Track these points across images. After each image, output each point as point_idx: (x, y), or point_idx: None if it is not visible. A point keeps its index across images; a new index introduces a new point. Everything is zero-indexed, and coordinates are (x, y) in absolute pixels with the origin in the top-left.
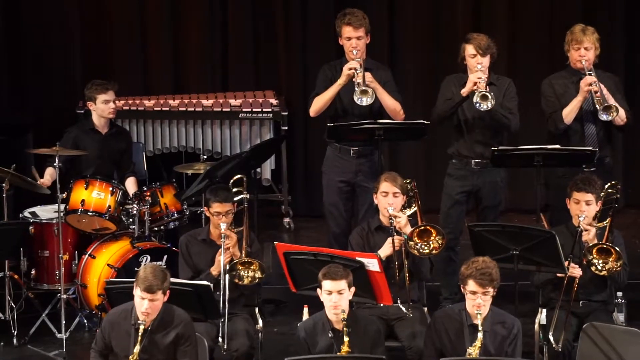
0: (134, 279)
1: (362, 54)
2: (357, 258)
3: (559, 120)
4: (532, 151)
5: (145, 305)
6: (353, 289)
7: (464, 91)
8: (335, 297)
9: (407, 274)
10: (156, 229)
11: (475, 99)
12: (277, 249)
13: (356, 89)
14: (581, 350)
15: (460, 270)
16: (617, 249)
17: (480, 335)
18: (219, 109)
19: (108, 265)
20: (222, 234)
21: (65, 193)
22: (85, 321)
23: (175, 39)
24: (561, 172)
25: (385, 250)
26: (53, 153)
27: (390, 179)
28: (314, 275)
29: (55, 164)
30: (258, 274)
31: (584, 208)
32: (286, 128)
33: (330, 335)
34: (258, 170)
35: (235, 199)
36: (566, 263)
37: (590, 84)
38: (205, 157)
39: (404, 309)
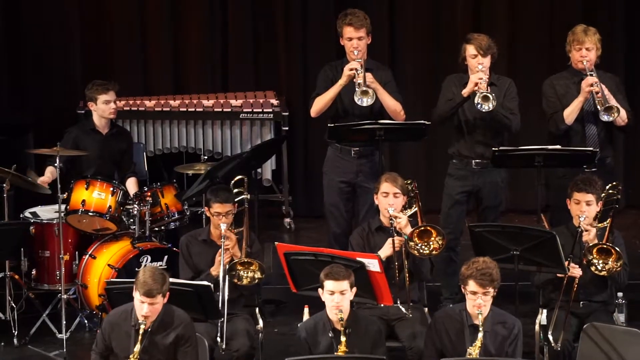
0: (134, 279)
1: (363, 54)
2: (358, 258)
3: (560, 120)
4: (532, 152)
5: (145, 309)
6: (355, 289)
7: (465, 92)
8: (338, 297)
9: (407, 275)
10: (157, 229)
11: (477, 99)
12: (278, 249)
13: (357, 89)
14: (581, 351)
15: (460, 271)
16: (617, 249)
17: (480, 335)
18: (220, 109)
19: (108, 265)
20: (222, 235)
21: (66, 193)
22: (86, 321)
23: (175, 39)
24: (562, 173)
25: (386, 250)
26: (54, 153)
27: (390, 180)
28: (314, 276)
29: (55, 164)
30: (257, 275)
31: (585, 208)
32: (287, 128)
33: (330, 335)
34: (259, 170)
35: (236, 199)
36: (566, 263)
37: (592, 85)
38: (205, 157)
39: (403, 309)
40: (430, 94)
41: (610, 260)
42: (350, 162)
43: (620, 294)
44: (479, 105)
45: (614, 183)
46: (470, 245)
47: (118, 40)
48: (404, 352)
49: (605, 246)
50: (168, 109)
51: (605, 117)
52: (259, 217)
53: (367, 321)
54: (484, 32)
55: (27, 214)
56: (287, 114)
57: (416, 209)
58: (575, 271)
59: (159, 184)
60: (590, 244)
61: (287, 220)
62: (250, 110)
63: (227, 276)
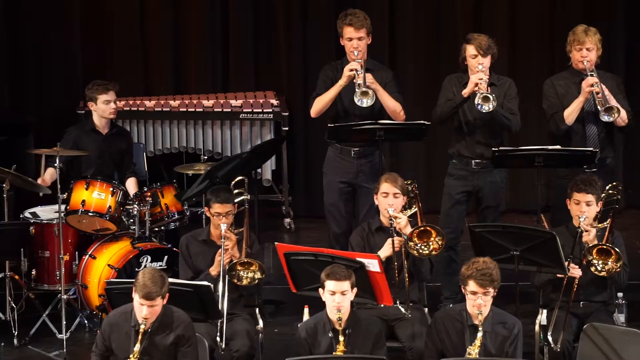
0: (134, 280)
1: (363, 54)
2: (358, 259)
3: (560, 121)
4: (532, 152)
5: (144, 311)
6: (355, 289)
7: (465, 92)
8: (339, 297)
9: (406, 275)
10: (157, 229)
11: (477, 100)
12: (278, 249)
13: (357, 90)
14: (581, 351)
15: (460, 271)
16: (617, 250)
17: (479, 334)
18: (220, 110)
19: (108, 265)
20: (222, 235)
21: (66, 193)
22: (86, 322)
23: (175, 39)
24: (564, 173)
25: (385, 251)
26: (54, 153)
27: (390, 180)
28: (314, 276)
29: (55, 164)
30: (257, 275)
31: (585, 209)
32: (287, 128)
33: (330, 335)
34: (259, 170)
35: (236, 200)
36: (566, 264)
37: (592, 85)
38: (205, 157)
39: (402, 309)
40: (430, 94)
41: (610, 260)
42: (350, 162)
43: (620, 295)
44: (479, 106)
45: (614, 183)
46: (470, 245)
47: (118, 40)
48: (404, 353)
49: (605, 247)
50: (168, 109)
51: (605, 118)
52: (259, 218)
53: (367, 321)
54: (484, 32)
55: (27, 214)
56: (287, 114)
57: (416, 209)
58: (575, 272)
59: (158, 184)
60: (590, 245)
61: (287, 220)
62: (250, 110)
63: (226, 276)
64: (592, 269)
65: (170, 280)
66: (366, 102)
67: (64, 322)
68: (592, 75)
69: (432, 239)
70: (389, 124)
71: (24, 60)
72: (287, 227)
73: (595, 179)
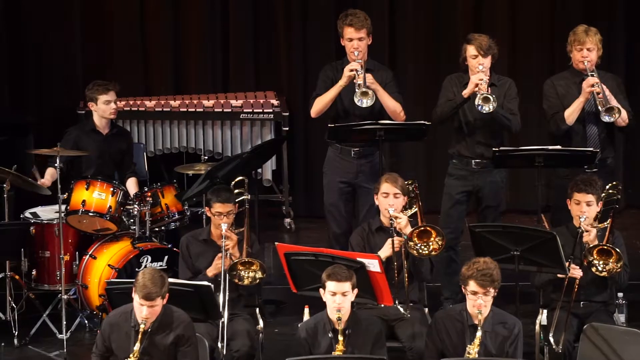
0: (134, 280)
1: (363, 55)
2: (358, 259)
3: (561, 121)
4: (533, 152)
5: (144, 311)
6: (356, 290)
7: (466, 92)
8: (339, 298)
9: (406, 275)
10: (157, 229)
11: (477, 101)
12: (278, 249)
13: (356, 90)
14: (582, 351)
15: (461, 271)
16: (618, 250)
17: (478, 334)
18: (220, 110)
19: (109, 265)
20: (223, 235)
21: (66, 194)
22: (86, 322)
23: (175, 39)
24: (564, 173)
25: (385, 251)
26: (54, 153)
27: (390, 180)
28: (314, 276)
29: (56, 165)
30: (259, 274)
31: (585, 209)
32: (287, 129)
33: (330, 336)
34: (259, 170)
35: (237, 200)
36: (567, 264)
37: (593, 85)
38: (206, 157)
39: (402, 309)
40: (430, 94)
41: (611, 261)
42: (350, 162)
43: (620, 295)
44: (479, 107)
45: (614, 183)
46: (470, 245)
47: (118, 40)
48: (404, 353)
49: (605, 247)
50: (168, 109)
51: (606, 118)
52: (259, 218)
53: (367, 322)
54: (484, 32)
55: (27, 214)
56: (287, 114)
57: (416, 209)
58: (576, 272)
59: (159, 184)
60: (591, 245)
61: (288, 220)
62: (250, 110)
63: (227, 277)
64: (593, 269)
65: (171, 280)
66: (366, 103)
67: (64, 322)
68: (592, 76)
69: (432, 239)
70: (389, 124)
71: (24, 60)
72: (287, 227)
73: (596, 179)
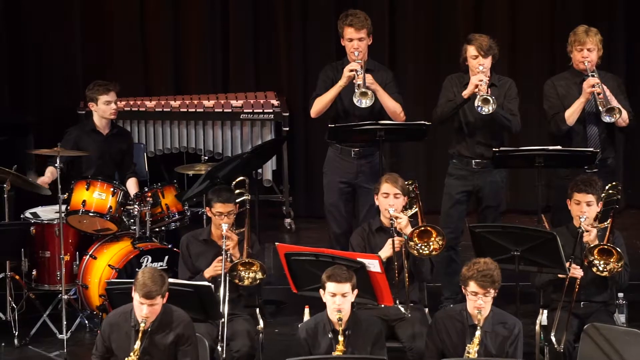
0: (134, 280)
1: (363, 55)
2: (358, 259)
3: (561, 121)
4: (533, 152)
5: (144, 310)
6: (356, 291)
7: (465, 93)
8: (339, 299)
9: (406, 275)
10: (157, 229)
11: (477, 102)
12: (278, 249)
13: (356, 90)
14: (582, 351)
15: (461, 271)
16: (618, 250)
17: (478, 333)
18: (220, 110)
19: (109, 265)
20: (223, 235)
21: (67, 194)
22: (86, 322)
23: (175, 39)
24: (565, 173)
25: (386, 251)
26: (54, 154)
27: (391, 180)
28: (315, 276)
29: (56, 165)
30: (259, 275)
31: (585, 209)
32: (287, 129)
33: (330, 336)
34: (259, 171)
35: (237, 200)
36: (567, 264)
37: (593, 86)
38: (206, 157)
39: (402, 309)
40: (430, 94)
41: (612, 261)
42: (351, 162)
43: (620, 295)
44: (479, 108)
45: (614, 183)
46: (470, 245)
47: (118, 40)
48: (404, 353)
49: (606, 247)
50: (168, 110)
51: (607, 118)
52: (260, 218)
53: (367, 322)
54: (484, 32)
55: (27, 214)
56: (287, 114)
57: (416, 209)
58: (576, 272)
59: (159, 184)
60: (592, 245)
61: (288, 220)
62: (250, 110)
63: (227, 277)
64: (594, 269)
65: (171, 280)
66: (365, 103)
67: (65, 322)
68: (593, 76)
69: (432, 238)
70: (390, 124)
71: (24, 60)
72: (287, 228)
73: (596, 179)
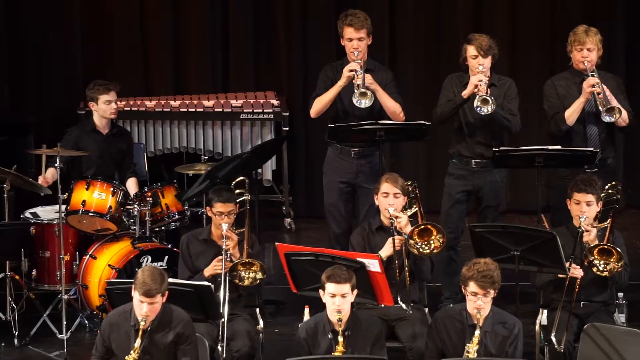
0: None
1: (363, 55)
2: (358, 259)
3: (561, 121)
4: (533, 152)
5: (144, 308)
6: (356, 291)
7: (465, 93)
8: (339, 300)
9: (407, 274)
10: (157, 229)
11: (476, 102)
12: (279, 249)
13: (355, 90)
14: (582, 351)
15: (461, 271)
16: (618, 250)
17: (477, 332)
18: (220, 110)
19: (109, 265)
20: (224, 235)
21: (67, 194)
22: (86, 322)
23: (175, 39)
24: (564, 173)
25: (386, 250)
26: (54, 154)
27: (390, 180)
28: (315, 276)
29: (56, 165)
30: (259, 275)
31: (585, 209)
32: (287, 129)
33: (330, 337)
34: (259, 171)
35: (238, 200)
36: (567, 264)
37: (593, 86)
38: (206, 157)
39: (404, 306)
40: (430, 94)
41: (612, 260)
42: (350, 162)
43: (620, 294)
44: (478, 109)
45: (614, 183)
46: (470, 245)
47: (118, 40)
48: (405, 353)
49: (606, 247)
50: (168, 110)
51: (607, 118)
52: (260, 218)
53: (367, 322)
54: (484, 32)
55: (27, 214)
56: (287, 114)
57: (416, 209)
58: (577, 272)
59: (159, 184)
60: (591, 245)
61: (288, 220)
62: (250, 110)
63: (227, 277)
64: (594, 269)
65: (171, 280)
66: (364, 103)
67: (65, 322)
68: (593, 76)
69: (432, 237)
70: (390, 124)
71: (24, 60)
72: (287, 227)
73: (595, 178)
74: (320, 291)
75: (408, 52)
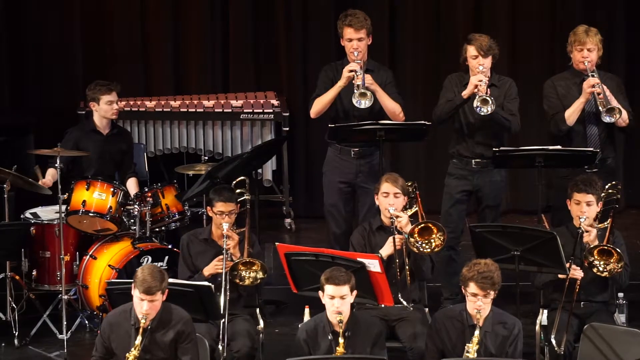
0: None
1: (363, 55)
2: (358, 259)
3: (561, 121)
4: (533, 152)
5: (145, 306)
6: (355, 292)
7: (465, 93)
8: (338, 302)
9: (407, 274)
10: (157, 229)
11: (476, 103)
12: (279, 249)
13: (355, 91)
14: (582, 351)
15: (461, 272)
16: (618, 250)
17: (477, 332)
18: (220, 110)
19: (109, 266)
20: (224, 235)
21: (67, 194)
22: (87, 322)
23: (175, 39)
24: (564, 173)
25: (387, 249)
26: (54, 154)
27: (391, 180)
28: (315, 276)
29: (56, 165)
30: (260, 275)
31: (585, 209)
32: (287, 129)
33: (330, 338)
34: (259, 171)
35: (238, 200)
36: (567, 264)
37: (594, 86)
38: (206, 158)
39: (405, 302)
40: (430, 94)
41: (612, 261)
42: (350, 162)
43: (620, 295)
44: (478, 109)
45: (614, 183)
46: (470, 245)
47: (118, 40)
48: (405, 353)
49: (606, 247)
50: (169, 110)
51: (607, 119)
52: (260, 218)
53: (367, 323)
54: (484, 32)
55: (27, 214)
56: (287, 114)
57: (417, 209)
58: (577, 272)
59: (159, 184)
60: (592, 245)
61: (288, 220)
62: (250, 110)
63: (227, 277)
64: (594, 269)
65: (171, 280)
66: (364, 104)
67: (65, 323)
68: (593, 76)
69: (433, 235)
70: (390, 124)
71: (24, 60)
72: (287, 228)
73: (595, 179)
74: (320, 293)
75: (408, 52)
